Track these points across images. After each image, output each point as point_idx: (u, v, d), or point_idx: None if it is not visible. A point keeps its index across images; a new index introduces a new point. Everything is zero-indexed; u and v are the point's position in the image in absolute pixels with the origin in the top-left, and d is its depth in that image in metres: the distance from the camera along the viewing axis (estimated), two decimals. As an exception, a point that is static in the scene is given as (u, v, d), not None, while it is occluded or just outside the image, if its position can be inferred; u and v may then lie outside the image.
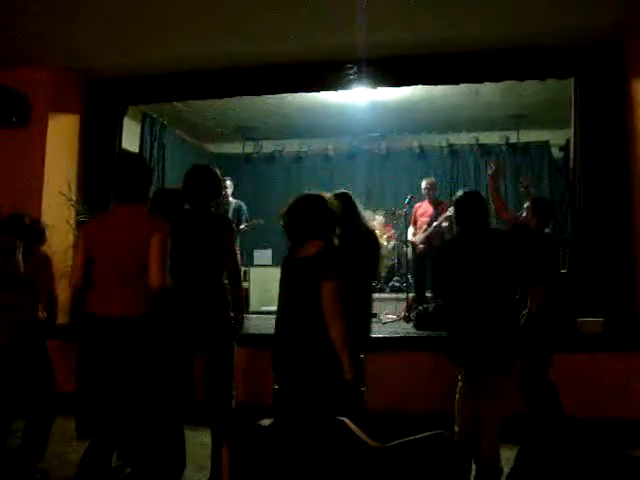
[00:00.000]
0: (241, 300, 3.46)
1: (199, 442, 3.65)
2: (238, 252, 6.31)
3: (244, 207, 6.54)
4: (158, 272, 2.72)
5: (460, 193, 3.52)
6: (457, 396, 3.33)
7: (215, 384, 3.19)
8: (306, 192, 2.88)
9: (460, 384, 3.35)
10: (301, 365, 2.64)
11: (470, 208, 3.37)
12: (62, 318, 5.40)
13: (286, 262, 2.83)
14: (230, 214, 6.36)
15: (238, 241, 6.41)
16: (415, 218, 6.74)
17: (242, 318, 3.42)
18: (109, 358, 2.76)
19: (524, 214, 4.08)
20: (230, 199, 6.48)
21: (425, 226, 6.54)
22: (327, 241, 2.74)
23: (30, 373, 3.38)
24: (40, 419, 3.38)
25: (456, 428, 3.26)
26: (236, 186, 6.80)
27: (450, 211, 6.43)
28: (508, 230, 4.17)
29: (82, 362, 2.93)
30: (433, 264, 3.54)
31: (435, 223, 6.42)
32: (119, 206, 2.93)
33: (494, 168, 4.50)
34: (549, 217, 4.03)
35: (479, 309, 3.18)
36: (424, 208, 6.71)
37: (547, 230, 4.03)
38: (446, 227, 6.61)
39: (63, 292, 5.42)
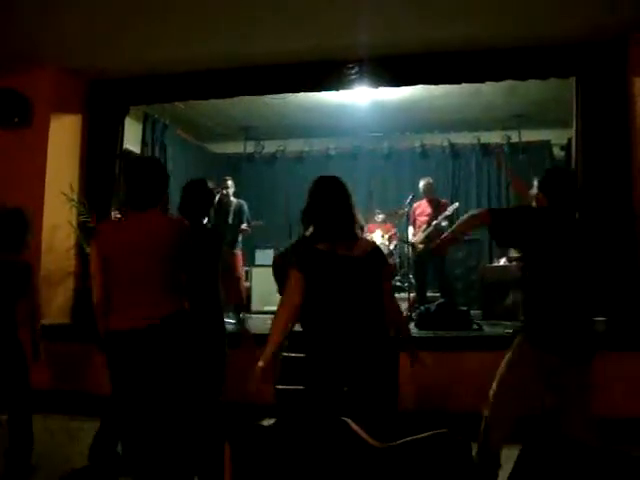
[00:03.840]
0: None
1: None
2: (240, 253, 6.37)
3: (245, 207, 6.54)
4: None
5: (551, 170, 3.17)
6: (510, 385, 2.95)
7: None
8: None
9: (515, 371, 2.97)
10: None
11: (563, 185, 2.97)
12: (63, 318, 5.45)
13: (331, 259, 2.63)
14: (231, 214, 6.37)
15: (240, 241, 6.45)
16: (414, 218, 6.75)
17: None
18: (139, 369, 2.65)
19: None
20: (232, 199, 6.48)
21: (424, 226, 6.55)
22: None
23: (5, 369, 3.37)
24: (20, 415, 3.39)
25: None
26: (238, 186, 6.80)
27: (449, 210, 6.44)
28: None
29: (116, 378, 2.79)
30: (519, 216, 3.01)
31: (435, 222, 6.42)
32: (136, 214, 2.75)
33: (499, 161, 4.30)
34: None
35: (574, 294, 2.92)
36: (422, 208, 6.72)
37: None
38: (446, 226, 6.61)
39: (64, 292, 5.49)
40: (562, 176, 3.08)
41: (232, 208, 6.41)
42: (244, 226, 6.39)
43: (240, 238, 6.41)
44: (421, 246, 6.50)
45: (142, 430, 2.71)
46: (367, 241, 2.74)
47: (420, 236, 6.53)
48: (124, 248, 2.65)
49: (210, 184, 3.54)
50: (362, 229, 2.74)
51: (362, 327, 2.61)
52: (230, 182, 6.54)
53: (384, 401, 2.59)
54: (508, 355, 2.99)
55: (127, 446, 2.81)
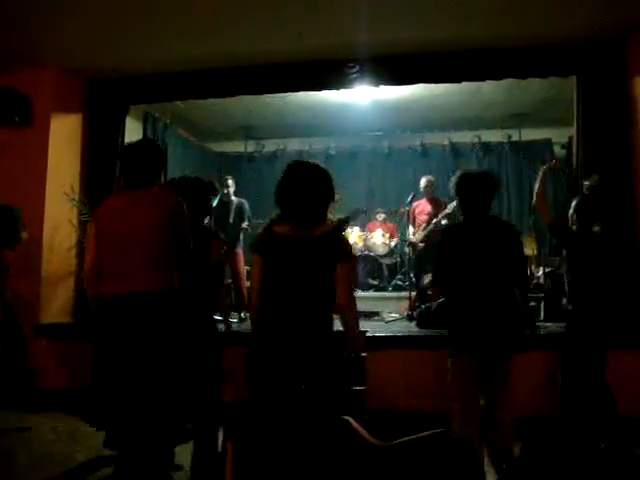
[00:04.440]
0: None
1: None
2: (241, 252, 6.37)
3: (246, 205, 6.54)
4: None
5: (460, 173, 3.37)
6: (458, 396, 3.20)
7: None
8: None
9: (459, 383, 3.22)
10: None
11: (475, 190, 3.23)
12: (64, 317, 5.45)
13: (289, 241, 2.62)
14: (232, 213, 6.37)
15: (241, 239, 6.45)
16: (414, 217, 6.74)
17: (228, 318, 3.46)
18: (124, 339, 2.70)
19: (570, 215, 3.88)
20: (232, 198, 6.49)
21: (424, 224, 6.55)
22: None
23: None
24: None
25: (455, 426, 3.15)
26: (238, 185, 6.80)
27: (449, 209, 6.43)
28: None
29: (98, 352, 2.87)
30: (437, 252, 3.35)
31: (434, 220, 6.42)
32: (132, 192, 2.87)
33: (553, 163, 4.34)
34: (591, 215, 3.77)
35: (487, 297, 3.12)
36: (422, 206, 6.72)
37: (596, 229, 3.81)
38: (446, 225, 6.61)
39: (66, 291, 5.49)
40: (475, 181, 3.25)
41: (233, 207, 6.41)
42: (245, 224, 6.39)
43: (241, 237, 6.42)
44: (421, 245, 6.50)
45: (122, 402, 2.77)
46: (328, 225, 2.70)
47: (420, 235, 6.53)
48: (115, 224, 2.78)
49: (205, 180, 3.48)
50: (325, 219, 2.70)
51: (303, 316, 2.57)
52: (230, 181, 6.54)
53: (326, 402, 2.53)
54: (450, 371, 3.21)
55: (110, 419, 2.85)
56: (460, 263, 3.17)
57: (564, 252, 4.05)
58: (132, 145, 3.07)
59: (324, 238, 2.60)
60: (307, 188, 2.63)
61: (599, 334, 3.63)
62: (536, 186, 3.97)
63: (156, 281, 2.73)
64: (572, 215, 3.83)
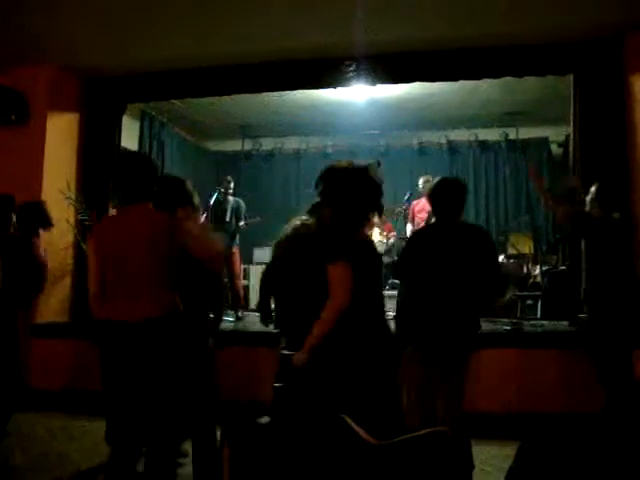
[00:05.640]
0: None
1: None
2: (237, 251, 6.37)
3: (242, 204, 6.56)
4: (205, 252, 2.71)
5: (437, 180, 3.43)
6: (412, 389, 3.15)
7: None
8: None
9: (415, 378, 3.17)
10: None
11: (446, 197, 3.30)
12: (61, 317, 5.44)
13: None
14: (229, 212, 6.37)
15: (237, 238, 6.45)
16: (413, 215, 6.74)
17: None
18: (130, 362, 2.67)
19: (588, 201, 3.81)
20: (229, 197, 6.49)
21: (423, 223, 6.54)
22: None
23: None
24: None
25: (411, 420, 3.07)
26: (235, 183, 6.80)
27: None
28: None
29: (105, 369, 2.83)
30: (403, 248, 3.43)
31: (434, 219, 6.42)
32: (127, 208, 2.80)
33: (532, 168, 4.39)
34: (612, 201, 3.73)
35: (446, 297, 3.15)
36: (422, 205, 6.71)
37: (616, 215, 3.75)
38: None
39: (62, 290, 5.48)
40: (447, 188, 3.32)
41: (229, 206, 6.42)
42: (242, 224, 6.40)
43: (238, 236, 6.42)
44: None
45: (127, 422, 2.74)
46: None
47: (419, 233, 6.52)
48: (114, 244, 2.71)
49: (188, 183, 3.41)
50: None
51: None
52: (231, 183, 6.55)
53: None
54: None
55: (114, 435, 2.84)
56: (423, 260, 3.22)
57: (583, 244, 3.87)
58: (124, 157, 3.03)
59: None
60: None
61: (625, 329, 3.53)
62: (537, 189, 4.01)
63: (159, 305, 2.68)
64: (591, 201, 3.74)
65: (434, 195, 3.36)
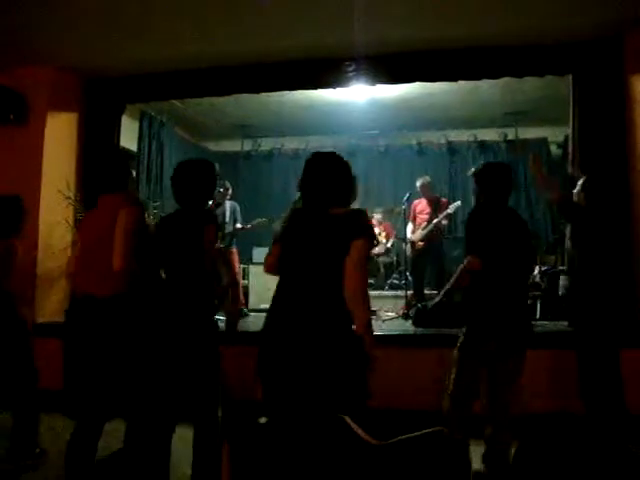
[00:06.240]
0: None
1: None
2: (235, 251, 6.38)
3: (238, 208, 6.60)
4: (118, 255, 2.91)
5: (484, 164, 3.53)
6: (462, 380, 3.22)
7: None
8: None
9: (466, 367, 3.24)
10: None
11: (499, 180, 3.37)
12: (60, 317, 5.43)
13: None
14: (228, 215, 6.39)
15: (235, 239, 6.47)
16: (414, 215, 6.76)
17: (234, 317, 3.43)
18: (81, 337, 2.99)
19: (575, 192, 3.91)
20: (226, 202, 6.50)
21: (424, 223, 6.55)
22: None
23: (12, 369, 3.53)
24: (24, 414, 3.50)
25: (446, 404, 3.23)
26: (235, 184, 6.83)
27: (450, 209, 6.45)
28: None
29: (65, 344, 3.15)
30: (470, 225, 3.34)
31: (435, 220, 6.43)
32: (101, 198, 3.22)
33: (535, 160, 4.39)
34: (598, 193, 3.81)
35: (512, 283, 3.20)
36: (422, 205, 6.73)
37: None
38: (446, 225, 6.63)
39: (62, 291, 5.47)
40: (497, 171, 3.39)
41: (228, 207, 6.44)
42: (239, 225, 6.45)
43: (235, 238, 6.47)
44: (421, 244, 6.52)
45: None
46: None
47: (420, 234, 6.54)
48: (88, 229, 3.18)
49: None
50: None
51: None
52: (229, 188, 6.57)
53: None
54: (455, 353, 3.25)
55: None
56: (493, 239, 3.21)
57: (568, 230, 4.03)
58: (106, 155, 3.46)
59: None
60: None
61: (611, 327, 3.63)
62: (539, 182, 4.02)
63: (108, 285, 2.96)
64: (579, 193, 3.84)
65: (484, 178, 3.39)
